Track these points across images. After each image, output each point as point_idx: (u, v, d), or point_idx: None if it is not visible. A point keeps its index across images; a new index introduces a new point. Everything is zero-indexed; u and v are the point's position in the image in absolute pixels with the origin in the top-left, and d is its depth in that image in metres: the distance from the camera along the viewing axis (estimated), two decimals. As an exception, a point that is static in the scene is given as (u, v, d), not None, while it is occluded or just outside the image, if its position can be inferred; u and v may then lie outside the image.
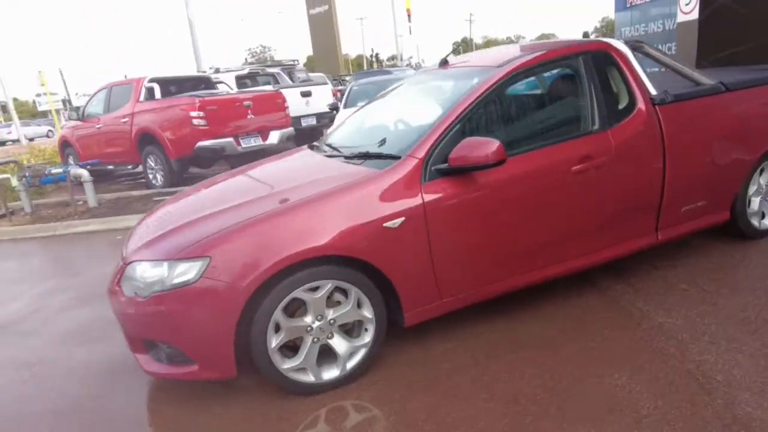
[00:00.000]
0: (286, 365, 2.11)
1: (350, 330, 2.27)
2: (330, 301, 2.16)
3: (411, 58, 68.70)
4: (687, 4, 5.72)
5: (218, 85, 8.27)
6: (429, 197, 2.18)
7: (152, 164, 7.11)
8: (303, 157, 2.99)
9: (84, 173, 6.06)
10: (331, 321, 2.16)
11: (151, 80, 7.17)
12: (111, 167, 7.89)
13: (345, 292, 2.15)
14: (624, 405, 1.91)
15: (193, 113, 6.26)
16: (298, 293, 2.04)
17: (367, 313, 2.19)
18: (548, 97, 2.73)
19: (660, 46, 6.21)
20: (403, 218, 2.13)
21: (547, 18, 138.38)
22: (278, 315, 2.03)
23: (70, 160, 8.53)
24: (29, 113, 44.75)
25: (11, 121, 26.01)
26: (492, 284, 2.43)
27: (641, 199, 2.66)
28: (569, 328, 2.49)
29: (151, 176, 7.25)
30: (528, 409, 1.97)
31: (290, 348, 2.16)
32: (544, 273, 2.54)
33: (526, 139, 2.42)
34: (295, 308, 2.11)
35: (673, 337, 2.31)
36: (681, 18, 5.82)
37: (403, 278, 2.21)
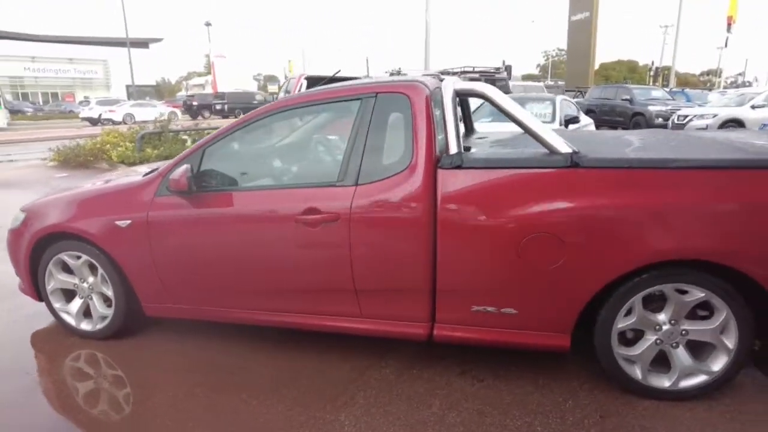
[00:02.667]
0: (57, 305, 2.89)
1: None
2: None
3: (740, 75, 54.92)
4: None
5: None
6: (154, 210, 2.53)
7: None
8: None
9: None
10: (91, 286, 2.80)
11: (305, 77, 8.73)
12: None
13: None
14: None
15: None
16: (63, 257, 2.76)
17: (108, 291, 2.74)
18: (311, 140, 2.52)
19: None
20: (130, 221, 2.57)
21: None
22: (51, 268, 2.81)
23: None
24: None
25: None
26: (228, 308, 2.58)
27: (399, 275, 2.24)
28: (259, 385, 2.39)
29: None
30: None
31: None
32: (279, 318, 2.51)
33: (258, 176, 2.42)
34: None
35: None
36: None
37: (136, 273, 2.65)
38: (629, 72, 50.50)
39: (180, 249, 2.52)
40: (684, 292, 2.03)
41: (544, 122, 6.91)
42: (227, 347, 2.74)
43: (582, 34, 22.60)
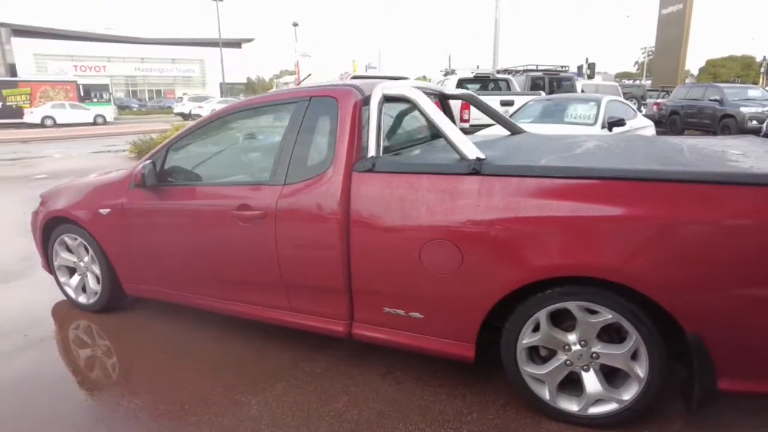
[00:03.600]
0: (62, 279, 3.35)
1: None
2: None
3: None
4: None
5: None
6: (127, 200, 2.86)
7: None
8: None
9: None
10: (86, 265, 3.23)
11: (352, 77, 8.98)
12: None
13: None
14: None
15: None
16: (65, 238, 3.21)
17: (97, 270, 3.14)
18: (253, 141, 2.67)
19: None
20: (109, 209, 2.93)
21: None
22: (57, 247, 3.28)
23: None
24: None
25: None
26: (185, 293, 2.85)
27: (317, 273, 2.35)
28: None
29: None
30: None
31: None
32: (229, 306, 2.71)
33: (207, 173, 2.65)
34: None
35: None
36: None
37: (115, 255, 3.01)
38: (744, 69, 44.81)
39: (145, 236, 2.84)
40: (594, 312, 1.92)
41: (586, 124, 6.55)
42: (192, 329, 3.02)
43: (673, 28, 20.57)
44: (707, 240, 1.70)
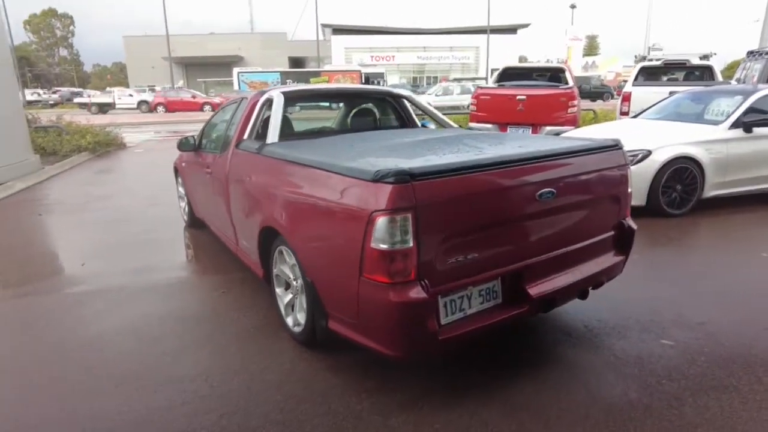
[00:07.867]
0: (181, 204, 5.78)
1: (194, 207, 5.50)
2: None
3: None
4: None
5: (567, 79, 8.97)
6: (188, 157, 4.93)
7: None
8: None
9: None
10: (184, 196, 5.52)
11: (505, 66, 9.35)
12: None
13: None
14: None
15: (472, 100, 8.34)
16: (178, 178, 5.58)
17: (185, 200, 5.37)
18: (223, 125, 4.15)
19: None
20: (185, 163, 5.08)
21: None
22: (177, 184, 5.70)
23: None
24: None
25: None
26: (204, 218, 4.79)
27: (224, 211, 3.84)
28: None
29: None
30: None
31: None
32: (217, 232, 4.51)
33: (207, 144, 4.40)
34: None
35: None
36: None
37: (188, 191, 5.17)
38: None
39: (191, 181, 4.90)
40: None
41: (714, 123, 5.53)
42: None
43: None
44: (312, 211, 2.48)
